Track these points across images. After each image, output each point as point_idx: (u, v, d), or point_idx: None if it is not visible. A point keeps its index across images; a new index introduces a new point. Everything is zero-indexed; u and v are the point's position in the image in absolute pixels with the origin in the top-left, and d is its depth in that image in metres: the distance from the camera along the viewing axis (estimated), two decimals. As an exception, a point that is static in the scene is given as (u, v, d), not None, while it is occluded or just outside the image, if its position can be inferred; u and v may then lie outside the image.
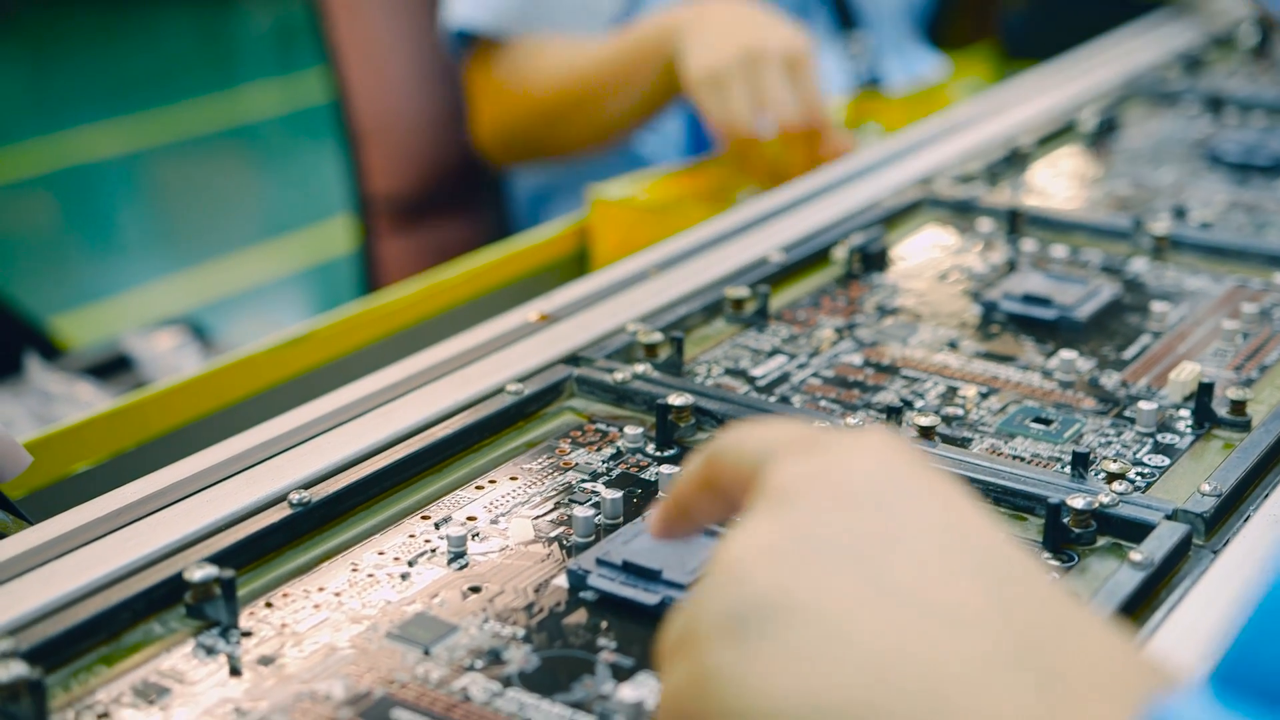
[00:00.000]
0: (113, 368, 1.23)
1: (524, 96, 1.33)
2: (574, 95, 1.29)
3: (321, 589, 0.51)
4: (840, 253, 0.82)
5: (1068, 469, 0.59)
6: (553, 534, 0.55)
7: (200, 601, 0.49)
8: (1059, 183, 0.99)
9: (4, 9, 5.41)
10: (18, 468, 0.57)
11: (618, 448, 0.61)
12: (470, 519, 0.56)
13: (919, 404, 0.66)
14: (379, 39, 1.52)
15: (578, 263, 1.09)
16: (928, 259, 0.85)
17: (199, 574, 0.49)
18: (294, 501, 0.54)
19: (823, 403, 0.66)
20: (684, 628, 0.36)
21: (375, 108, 1.52)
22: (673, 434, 0.61)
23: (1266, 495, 0.58)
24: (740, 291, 0.74)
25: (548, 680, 0.46)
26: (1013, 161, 1.00)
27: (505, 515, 0.56)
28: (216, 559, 0.51)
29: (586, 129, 1.31)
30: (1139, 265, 0.83)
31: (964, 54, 1.76)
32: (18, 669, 0.43)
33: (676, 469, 0.58)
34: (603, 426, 0.63)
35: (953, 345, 0.72)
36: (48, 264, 3.35)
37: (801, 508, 0.36)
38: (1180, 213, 0.89)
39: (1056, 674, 0.32)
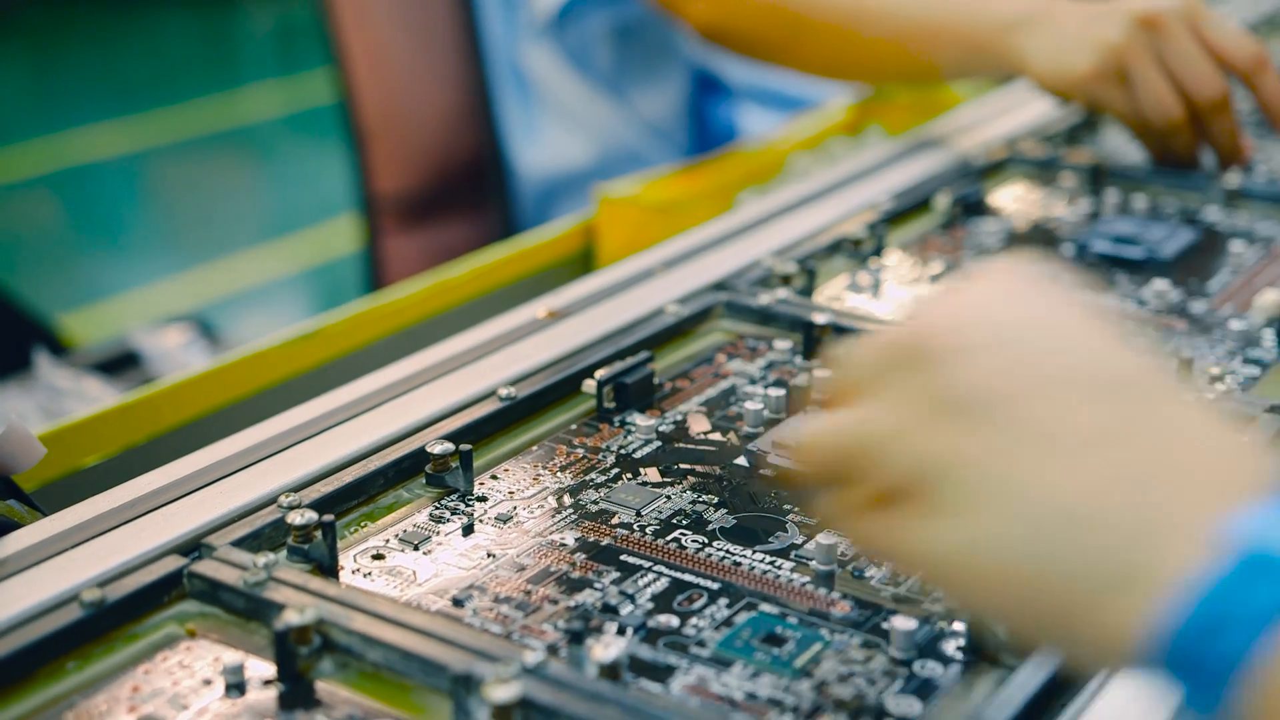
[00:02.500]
0: (121, 364, 1.24)
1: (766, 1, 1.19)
2: (831, 29, 1.16)
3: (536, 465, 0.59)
4: (942, 201, 0.89)
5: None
6: (727, 428, 0.62)
7: (440, 471, 0.57)
8: (1130, 144, 1.02)
9: (7, 8, 5.42)
10: (32, 459, 0.58)
11: (770, 360, 0.69)
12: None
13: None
14: (384, 38, 1.53)
15: (584, 261, 1.10)
16: (1018, 209, 0.92)
17: (438, 448, 0.58)
18: (502, 396, 0.63)
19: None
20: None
21: (380, 107, 1.53)
22: (816, 347, 0.68)
23: None
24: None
25: (747, 535, 0.54)
26: (1087, 126, 1.07)
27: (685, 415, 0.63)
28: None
29: (832, 62, 1.20)
30: (1213, 214, 0.90)
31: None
32: (310, 514, 0.51)
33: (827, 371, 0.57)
34: (752, 343, 0.71)
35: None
36: (55, 263, 3.36)
37: (937, 358, 0.39)
38: (1248, 167, 0.96)
39: (1158, 481, 0.36)
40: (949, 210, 0.89)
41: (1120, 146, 1.03)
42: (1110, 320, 0.40)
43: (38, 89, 4.70)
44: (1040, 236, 0.86)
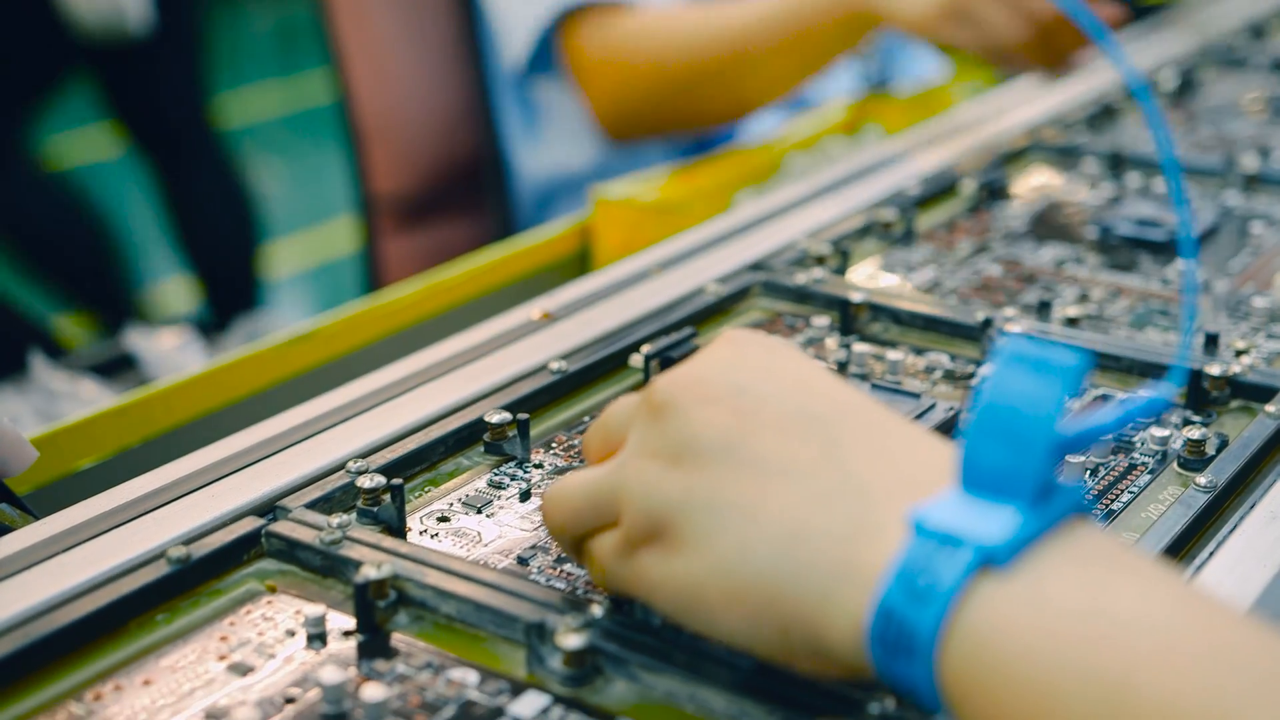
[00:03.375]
0: (116, 366, 1.23)
1: (654, 67, 1.27)
2: (721, 61, 1.25)
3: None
4: (968, 186, 0.92)
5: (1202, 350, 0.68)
6: None
7: (497, 440, 0.59)
8: (1148, 133, 1.06)
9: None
10: (24, 463, 0.58)
11: (808, 336, 0.72)
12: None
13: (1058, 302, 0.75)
14: (382, 39, 1.52)
15: (580, 262, 1.10)
16: (1042, 195, 0.95)
17: (496, 417, 0.60)
18: (554, 369, 0.66)
19: (973, 303, 0.75)
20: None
21: (379, 108, 1.53)
22: (853, 323, 0.71)
23: None
24: (889, 215, 0.84)
25: None
26: (1107, 115, 1.10)
27: None
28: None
29: (733, 97, 1.28)
30: (1232, 198, 0.93)
31: (967, 56, 1.76)
32: (379, 478, 0.54)
33: (867, 348, 0.69)
34: (790, 320, 0.74)
35: (1078, 261, 0.82)
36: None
37: (672, 412, 0.43)
38: (1265, 153, 0.99)
39: (865, 491, 0.40)
40: (975, 195, 0.93)
41: (1139, 133, 1.08)
42: (821, 365, 0.46)
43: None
44: (1063, 219, 0.89)
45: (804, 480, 0.41)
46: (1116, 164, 0.99)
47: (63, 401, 1.10)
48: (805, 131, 1.31)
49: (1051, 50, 1.12)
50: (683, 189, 1.14)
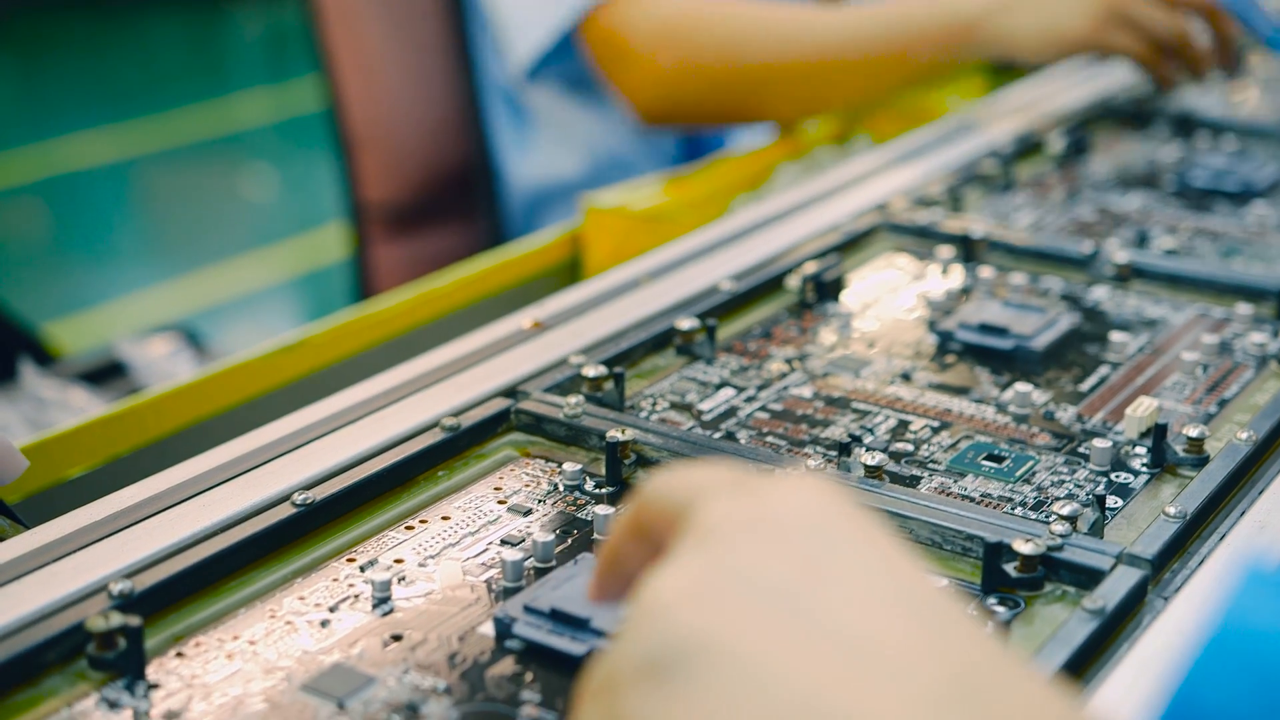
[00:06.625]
0: (107, 374, 1.24)
1: (722, 60, 1.23)
2: (806, 66, 1.22)
3: (236, 637, 0.49)
4: (794, 281, 0.81)
5: (1017, 509, 0.58)
6: (482, 577, 0.54)
7: (104, 651, 0.47)
8: (1023, 207, 0.97)
9: (-3, 15, 5.42)
10: (14, 472, 0.58)
11: (555, 484, 0.61)
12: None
13: (868, 440, 0.65)
14: (373, 46, 1.53)
15: (571, 271, 1.10)
16: (884, 287, 0.84)
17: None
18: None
19: (769, 438, 0.65)
20: (603, 673, 0.34)
21: (369, 115, 1.53)
22: (619, 471, 0.60)
23: (1223, 535, 0.57)
24: (689, 323, 0.73)
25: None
26: (977, 185, 1.00)
27: (435, 557, 0.56)
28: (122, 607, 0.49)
29: (807, 100, 1.26)
30: (1099, 293, 0.82)
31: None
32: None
33: (614, 509, 0.57)
34: (542, 463, 0.63)
35: (906, 377, 0.71)
36: (41, 271, 3.35)
37: (726, 546, 0.34)
38: (1143, 240, 0.90)
39: (985, 711, 0.30)
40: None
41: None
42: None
43: (26, 96, 4.70)
44: (899, 323, 0.79)
45: (890, 672, 0.31)
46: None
47: (52, 410, 1.11)
48: (795, 140, 1.32)
49: (1206, 50, 1.18)
50: (674, 197, 1.15)
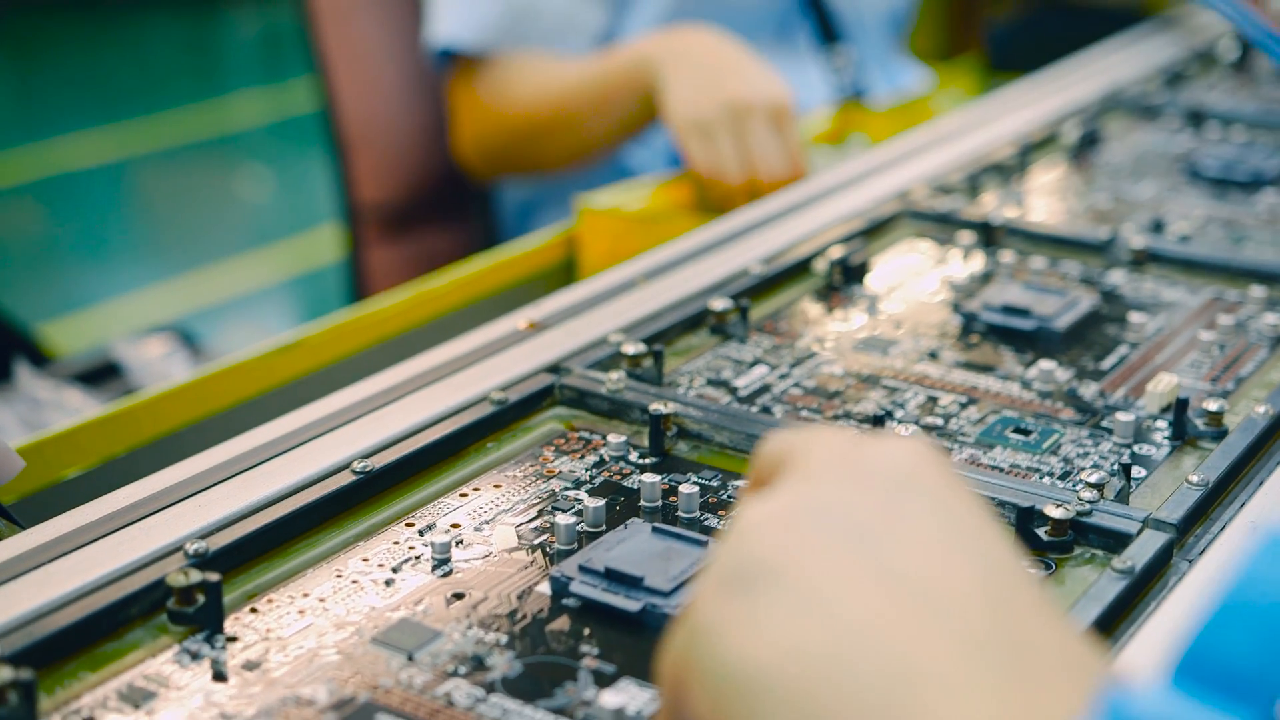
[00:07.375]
0: (102, 374, 1.23)
1: (504, 114, 1.35)
2: (552, 116, 1.31)
3: (306, 595, 0.52)
4: (821, 265, 0.83)
5: (1045, 479, 0.60)
6: (536, 541, 0.56)
7: (184, 605, 0.49)
8: (1039, 195, 1.00)
9: (-9, 16, 5.41)
10: (9, 473, 0.58)
11: (601, 455, 0.63)
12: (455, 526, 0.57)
13: (900, 414, 0.67)
14: (367, 48, 1.53)
15: (565, 272, 1.10)
16: (908, 271, 0.86)
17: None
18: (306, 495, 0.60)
19: (804, 413, 0.67)
20: (698, 586, 0.38)
21: (363, 116, 1.53)
22: (662, 442, 0.63)
23: (1243, 503, 0.59)
24: (722, 303, 0.76)
25: (530, 686, 0.47)
26: (994, 174, 1.02)
27: (490, 522, 0.57)
28: (201, 564, 0.51)
29: (565, 148, 1.34)
30: (1116, 277, 0.85)
31: (948, 66, 1.78)
32: (6, 672, 0.44)
33: (659, 477, 0.59)
34: (586, 435, 0.65)
35: (933, 355, 0.73)
36: (36, 272, 3.35)
37: (816, 482, 0.38)
38: (1158, 226, 0.92)
39: (1023, 658, 0.33)
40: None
41: (1027, 198, 1.03)
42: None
43: (20, 96, 4.69)
44: (923, 305, 0.81)
45: (941, 611, 0.34)
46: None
47: (48, 410, 1.10)
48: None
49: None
50: (667, 198, 1.15)
